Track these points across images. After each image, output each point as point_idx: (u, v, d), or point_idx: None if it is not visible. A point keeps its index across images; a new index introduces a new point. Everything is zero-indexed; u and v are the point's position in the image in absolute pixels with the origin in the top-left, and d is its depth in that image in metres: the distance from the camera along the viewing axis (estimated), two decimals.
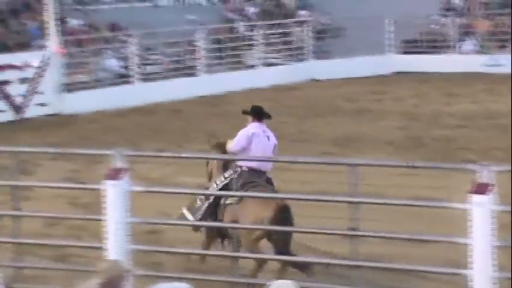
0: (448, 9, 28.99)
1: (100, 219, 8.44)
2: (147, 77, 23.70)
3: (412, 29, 27.39)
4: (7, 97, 20.48)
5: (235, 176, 9.34)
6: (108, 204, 8.28)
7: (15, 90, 20.69)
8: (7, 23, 24.11)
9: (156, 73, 24.33)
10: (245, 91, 24.09)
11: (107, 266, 5.94)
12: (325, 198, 8.87)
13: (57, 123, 20.07)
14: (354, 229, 8.01)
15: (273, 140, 9.82)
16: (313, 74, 26.56)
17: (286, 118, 20.05)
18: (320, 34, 28.09)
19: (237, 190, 9.25)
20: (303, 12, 29.65)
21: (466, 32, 27.63)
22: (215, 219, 9.54)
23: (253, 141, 9.59)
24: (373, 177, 9.89)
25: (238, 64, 25.85)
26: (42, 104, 21.10)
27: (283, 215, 8.95)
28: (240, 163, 9.52)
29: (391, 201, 8.87)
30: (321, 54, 27.51)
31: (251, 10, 29.75)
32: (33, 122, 20.28)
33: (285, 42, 27.41)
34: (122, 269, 5.93)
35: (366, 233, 8.26)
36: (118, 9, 28.07)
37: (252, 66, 26.18)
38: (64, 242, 9.92)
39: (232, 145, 9.72)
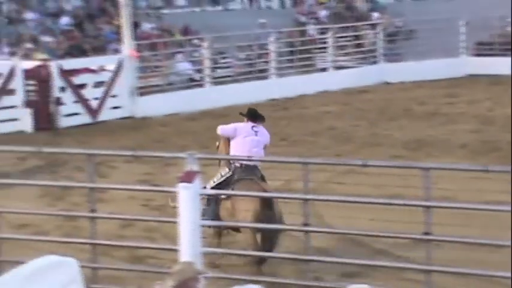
0: None
1: (173, 222, 8.54)
2: (218, 81, 23.84)
3: (485, 31, 27.00)
4: (83, 100, 20.80)
5: (230, 173, 10.07)
6: (181, 206, 8.37)
7: (91, 93, 20.99)
8: (83, 28, 24.59)
9: (228, 76, 24.45)
10: (316, 94, 24.11)
11: (180, 268, 5.97)
12: (398, 202, 8.83)
13: (131, 126, 20.31)
14: (427, 233, 7.96)
15: (264, 135, 10.39)
16: (385, 77, 26.37)
17: (358, 121, 20.00)
18: (392, 37, 27.91)
19: (231, 186, 9.88)
20: (374, 15, 29.51)
21: None
22: (217, 213, 9.95)
23: (238, 135, 10.33)
24: (446, 181, 9.80)
25: (310, 67, 25.79)
26: (116, 107, 21.42)
27: (266, 210, 9.36)
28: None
29: (465, 205, 8.78)
30: (392, 57, 27.29)
31: (323, 13, 29.72)
32: (108, 125, 20.58)
33: (357, 45, 27.27)
34: (196, 270, 5.96)
35: (440, 238, 8.20)
36: (190, 13, 28.40)
37: (324, 69, 26.10)
38: (138, 244, 10.06)
39: (219, 129, 10.58)
